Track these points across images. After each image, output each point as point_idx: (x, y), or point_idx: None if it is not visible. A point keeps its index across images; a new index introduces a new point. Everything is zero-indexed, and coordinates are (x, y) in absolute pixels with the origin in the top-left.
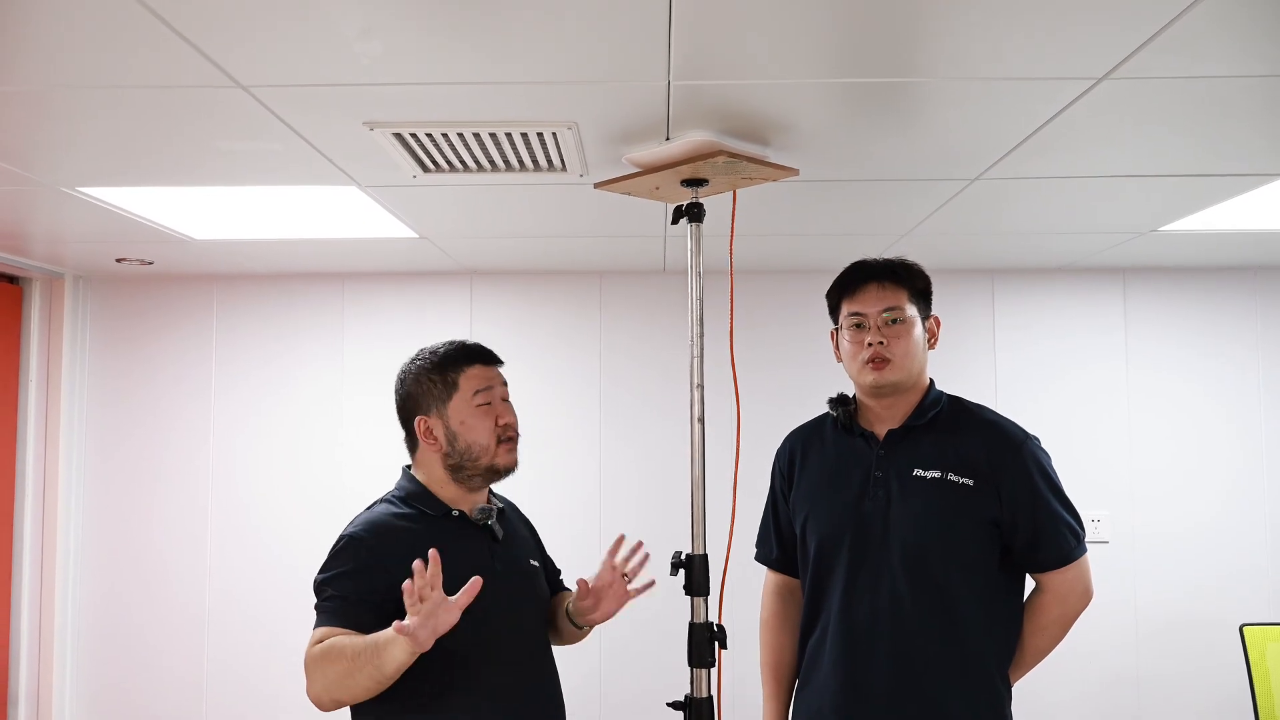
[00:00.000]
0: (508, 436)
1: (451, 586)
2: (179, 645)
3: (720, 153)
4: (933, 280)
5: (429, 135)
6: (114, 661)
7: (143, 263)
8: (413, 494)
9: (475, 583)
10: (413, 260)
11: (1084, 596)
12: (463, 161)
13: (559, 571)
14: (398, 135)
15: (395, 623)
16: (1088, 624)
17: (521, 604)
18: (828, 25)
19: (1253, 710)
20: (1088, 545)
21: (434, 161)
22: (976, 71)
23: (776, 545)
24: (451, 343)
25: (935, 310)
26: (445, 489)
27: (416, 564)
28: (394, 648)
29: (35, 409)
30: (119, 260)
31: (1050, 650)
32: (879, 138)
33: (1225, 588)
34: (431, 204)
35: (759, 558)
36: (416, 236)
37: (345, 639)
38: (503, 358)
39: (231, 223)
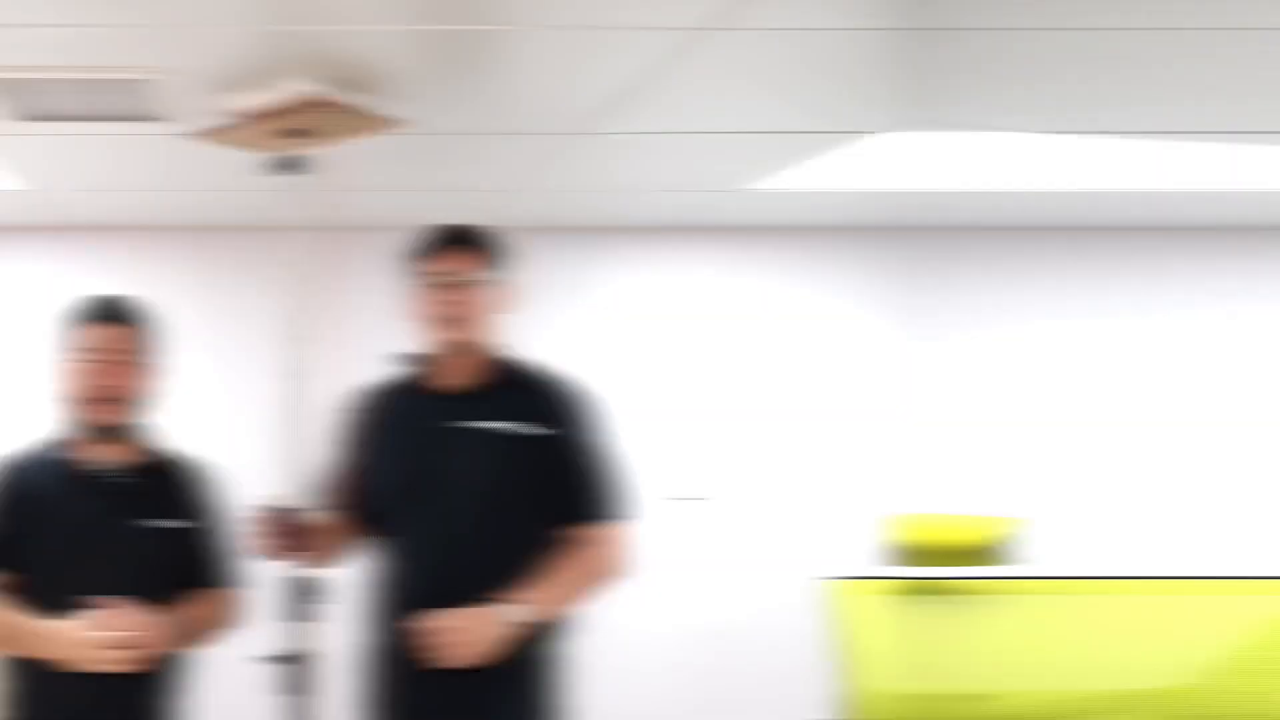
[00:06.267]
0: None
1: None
2: None
3: (322, 103)
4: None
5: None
6: None
7: None
8: (56, 440)
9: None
10: (13, 215)
11: (620, 566)
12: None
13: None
14: None
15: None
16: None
17: (118, 569)
18: None
19: (830, 658)
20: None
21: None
22: (562, 19)
23: (336, 499)
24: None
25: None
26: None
27: None
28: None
29: None
30: None
31: (569, 606)
32: (481, 89)
33: (807, 540)
34: (34, 154)
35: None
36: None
37: None
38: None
39: None
